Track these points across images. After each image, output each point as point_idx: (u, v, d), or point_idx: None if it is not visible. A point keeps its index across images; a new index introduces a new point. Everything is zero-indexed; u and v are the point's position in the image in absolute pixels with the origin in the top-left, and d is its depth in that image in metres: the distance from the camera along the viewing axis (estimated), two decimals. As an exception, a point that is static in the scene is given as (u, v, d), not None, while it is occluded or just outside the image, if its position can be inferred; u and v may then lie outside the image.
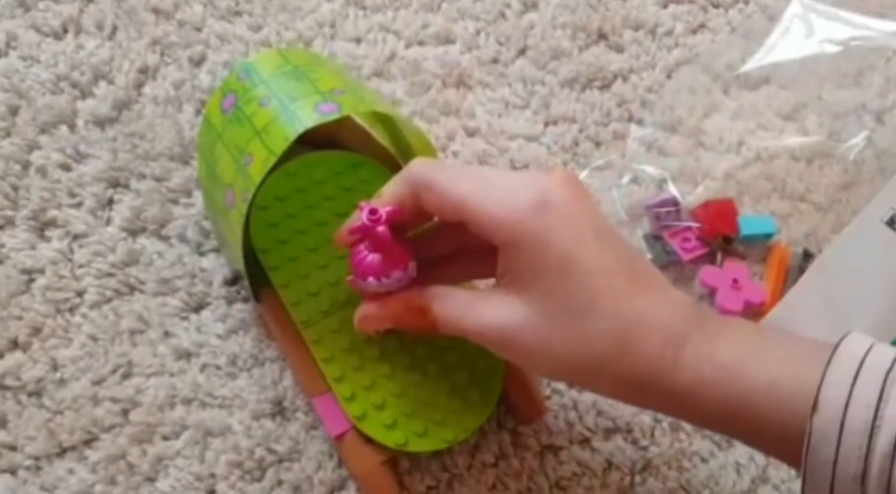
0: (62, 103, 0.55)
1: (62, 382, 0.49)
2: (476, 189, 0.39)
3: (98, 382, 0.49)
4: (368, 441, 0.46)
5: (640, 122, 0.59)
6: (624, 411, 0.51)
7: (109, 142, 0.54)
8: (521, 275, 0.39)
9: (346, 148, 0.52)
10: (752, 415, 0.36)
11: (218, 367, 0.50)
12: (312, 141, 0.50)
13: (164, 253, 0.52)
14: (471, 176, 0.40)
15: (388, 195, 0.42)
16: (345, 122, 0.52)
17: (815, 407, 0.34)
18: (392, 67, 0.59)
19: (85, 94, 0.55)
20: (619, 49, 0.61)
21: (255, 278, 0.48)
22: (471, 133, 0.58)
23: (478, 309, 0.40)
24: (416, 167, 0.41)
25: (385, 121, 0.51)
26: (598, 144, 0.58)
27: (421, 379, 0.47)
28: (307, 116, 0.42)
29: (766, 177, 0.58)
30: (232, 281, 0.51)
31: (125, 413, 0.48)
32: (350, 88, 0.45)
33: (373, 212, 0.41)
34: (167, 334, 0.50)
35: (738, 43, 0.62)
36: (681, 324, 0.38)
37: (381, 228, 0.41)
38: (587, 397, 0.51)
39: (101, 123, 0.55)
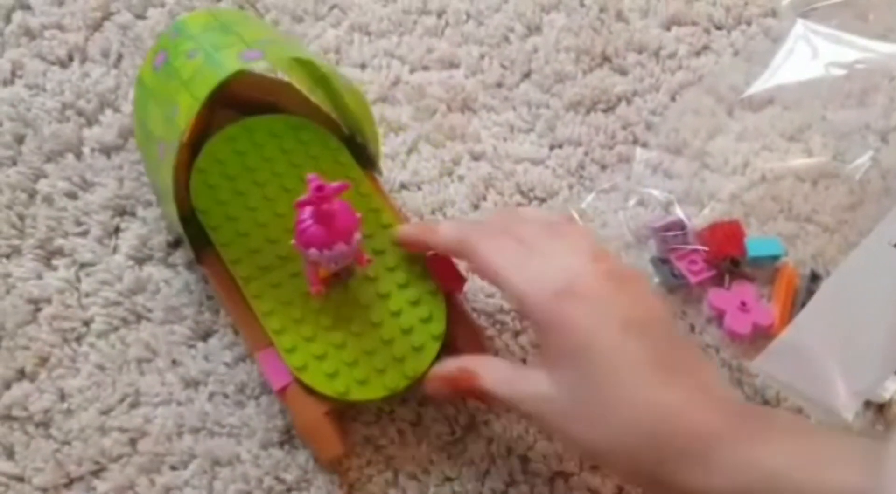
0: (68, 131, 0.55)
1: (70, 412, 0.48)
2: (509, 265, 0.42)
3: (106, 412, 0.49)
4: (311, 392, 0.46)
5: (645, 145, 0.59)
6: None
7: (116, 170, 0.54)
8: (549, 354, 0.41)
9: (288, 114, 0.53)
10: None
11: (226, 396, 0.50)
12: (255, 109, 0.52)
13: (171, 281, 0.52)
14: (507, 249, 0.43)
15: (440, 240, 0.46)
16: (285, 89, 0.53)
17: None
18: (397, 92, 0.59)
19: (91, 122, 0.56)
20: (623, 72, 0.61)
21: (196, 239, 0.49)
22: (476, 157, 0.58)
23: (514, 382, 0.42)
24: (459, 236, 0.45)
25: (324, 84, 0.52)
26: (603, 167, 0.58)
27: (362, 329, 0.48)
28: (230, 63, 0.43)
29: (771, 199, 0.58)
30: (174, 243, 0.52)
31: (133, 442, 0.48)
32: (277, 40, 0.47)
33: (319, 188, 0.42)
34: (175, 362, 0.50)
35: (742, 65, 0.62)
36: (717, 423, 0.36)
37: (325, 206, 0.42)
38: (597, 422, 0.51)
39: (107, 151, 0.55)
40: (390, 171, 0.56)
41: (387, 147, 0.57)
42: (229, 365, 0.50)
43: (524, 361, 0.52)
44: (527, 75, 0.61)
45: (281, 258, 0.49)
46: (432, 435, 0.50)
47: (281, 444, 0.49)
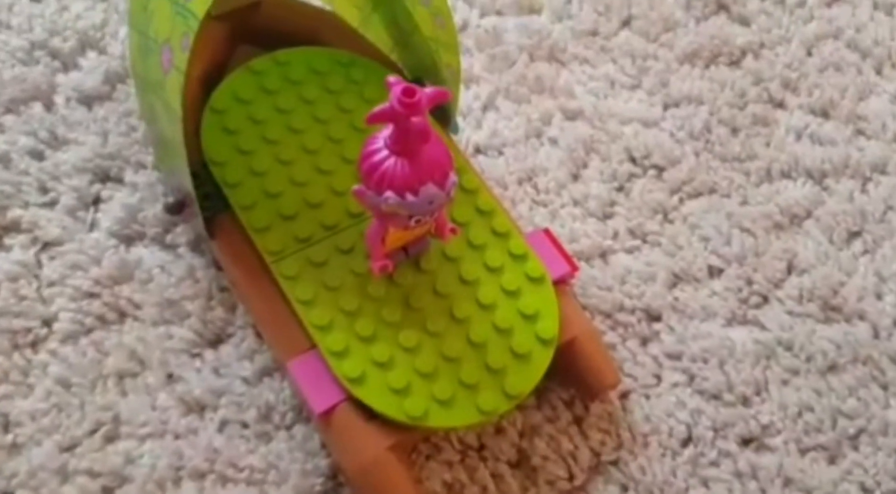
0: (36, 76, 0.42)
1: (16, 448, 0.34)
2: None
3: (69, 448, 0.34)
4: (370, 416, 0.32)
5: (781, 105, 0.46)
6: (822, 477, 0.36)
7: (98, 123, 0.41)
8: None
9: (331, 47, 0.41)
10: None
11: (244, 425, 0.35)
12: (288, 40, 0.40)
13: (170, 267, 0.38)
14: None
15: None
16: (328, 18, 0.41)
17: None
18: (466, 40, 0.46)
19: (68, 66, 0.42)
20: (744, 21, 0.49)
21: (207, 203, 0.36)
22: (571, 116, 0.44)
23: None
24: None
25: (386, 5, 0.39)
26: (734, 131, 0.45)
27: (442, 328, 0.34)
28: None
29: (947, 172, 0.45)
30: (176, 208, 0.38)
31: (109, 492, 0.33)
32: None
33: (408, 92, 0.28)
34: (172, 378, 0.36)
35: (884, 19, 0.50)
36: None
37: (417, 119, 0.28)
38: (768, 460, 0.36)
39: (87, 101, 0.41)
40: (462, 131, 0.43)
41: (456, 102, 0.43)
42: (249, 381, 0.36)
43: (657, 378, 0.38)
44: (626, 23, 0.48)
45: (327, 228, 0.35)
46: (542, 481, 0.35)
47: (324, 493, 0.33)
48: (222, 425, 0.35)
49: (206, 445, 0.34)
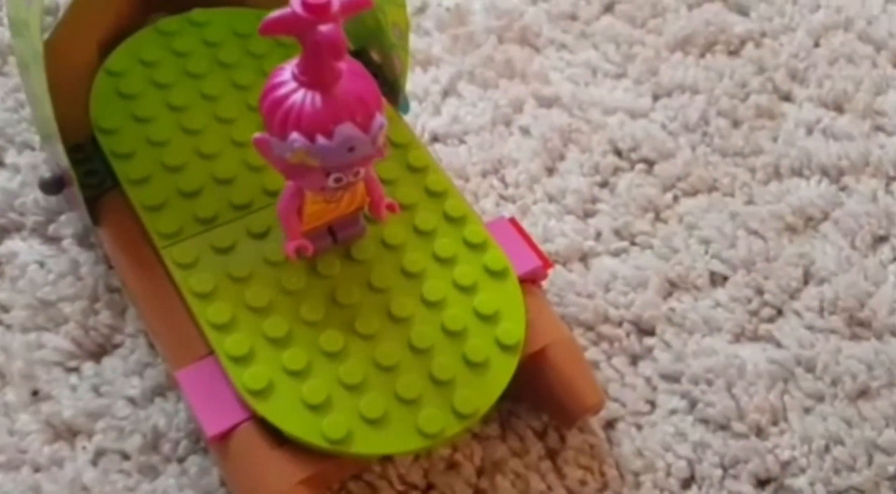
0: (-86, 46, 0.35)
1: None
2: None
3: None
4: (278, 441, 0.25)
5: (788, 97, 0.40)
6: None
7: (-19, 98, 0.34)
8: None
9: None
10: None
11: (125, 456, 0.28)
12: (209, 5, 0.34)
13: (49, 262, 0.31)
14: None
15: None
16: None
17: None
18: (425, 21, 0.40)
19: (-46, 37, 0.36)
20: (742, 10, 0.43)
21: (90, 179, 0.29)
22: (546, 103, 0.38)
23: None
24: None
25: None
26: (735, 123, 0.39)
27: (381, 327, 0.27)
28: None
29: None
30: (52, 185, 0.30)
31: (-64, 543, 0.25)
32: None
33: None
34: (37, 396, 0.28)
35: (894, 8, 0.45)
36: None
37: (327, 27, 0.22)
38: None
39: (-28, 75, 0.35)
40: (416, 117, 0.37)
41: (410, 85, 0.37)
42: (136, 401, 0.28)
43: (651, 404, 0.31)
44: (609, 7, 0.42)
45: (237, 207, 0.29)
46: (504, 530, 0.27)
47: (221, 545, 0.26)
48: (97, 455, 0.27)
49: (73, 480, 0.27)
